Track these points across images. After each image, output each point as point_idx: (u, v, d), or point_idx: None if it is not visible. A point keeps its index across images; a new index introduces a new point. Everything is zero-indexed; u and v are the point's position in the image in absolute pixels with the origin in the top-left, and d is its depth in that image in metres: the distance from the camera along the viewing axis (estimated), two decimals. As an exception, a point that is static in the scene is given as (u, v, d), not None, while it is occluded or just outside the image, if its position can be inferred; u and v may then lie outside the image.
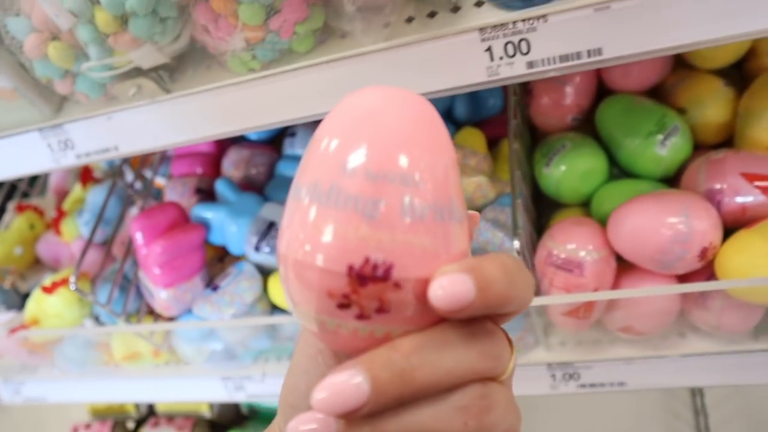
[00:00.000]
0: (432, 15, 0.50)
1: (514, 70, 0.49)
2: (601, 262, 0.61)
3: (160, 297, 0.73)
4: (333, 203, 0.24)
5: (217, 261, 0.82)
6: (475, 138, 0.73)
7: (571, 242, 0.62)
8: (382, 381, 0.23)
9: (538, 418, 1.04)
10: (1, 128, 0.60)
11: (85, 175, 0.92)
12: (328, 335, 0.25)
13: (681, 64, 0.72)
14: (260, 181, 0.79)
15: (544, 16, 0.46)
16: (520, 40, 0.48)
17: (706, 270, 0.61)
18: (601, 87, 0.73)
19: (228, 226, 0.73)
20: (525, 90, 0.75)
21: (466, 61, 0.49)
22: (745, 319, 0.63)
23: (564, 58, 0.48)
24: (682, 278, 0.64)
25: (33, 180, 1.07)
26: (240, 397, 0.83)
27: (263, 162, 0.79)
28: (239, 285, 0.70)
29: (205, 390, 0.83)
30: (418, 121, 0.25)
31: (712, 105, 0.67)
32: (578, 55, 0.47)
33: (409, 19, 0.50)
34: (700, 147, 0.69)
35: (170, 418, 1.05)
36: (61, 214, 0.88)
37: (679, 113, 0.68)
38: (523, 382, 0.72)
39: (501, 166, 0.74)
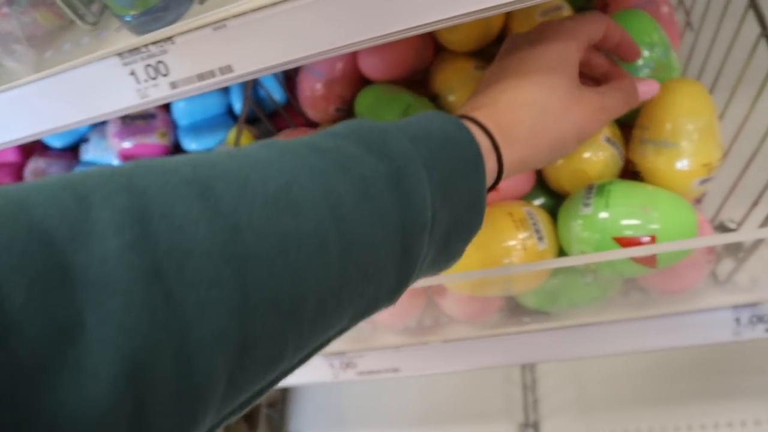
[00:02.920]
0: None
1: (160, 91, 0.49)
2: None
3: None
4: None
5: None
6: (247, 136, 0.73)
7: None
8: None
9: (389, 392, 1.07)
10: None
11: None
12: None
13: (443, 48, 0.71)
14: (59, 190, 0.81)
15: (170, 38, 0.46)
16: (158, 63, 0.48)
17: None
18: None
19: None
20: (292, 84, 0.74)
21: (117, 85, 0.49)
22: (482, 309, 0.64)
23: (201, 77, 0.48)
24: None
25: None
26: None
27: (60, 170, 0.81)
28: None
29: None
30: None
31: (461, 90, 0.67)
32: (212, 74, 0.47)
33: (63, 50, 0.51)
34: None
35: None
36: None
37: (431, 100, 0.68)
38: (308, 371, 0.74)
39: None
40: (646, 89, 0.49)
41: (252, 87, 0.75)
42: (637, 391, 0.97)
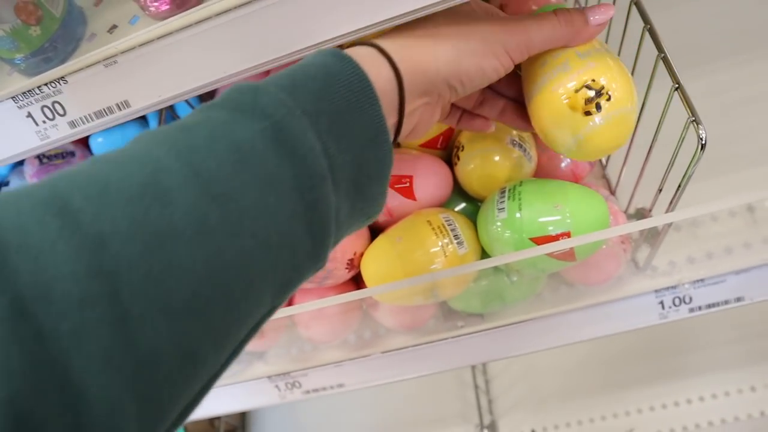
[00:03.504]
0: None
1: (60, 131, 0.48)
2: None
3: None
4: None
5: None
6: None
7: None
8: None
9: (341, 408, 1.07)
10: None
11: None
12: None
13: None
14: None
15: (62, 78, 0.45)
16: (54, 103, 0.47)
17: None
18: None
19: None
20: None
21: (15, 128, 0.48)
22: (414, 317, 0.64)
23: (99, 114, 0.47)
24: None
25: None
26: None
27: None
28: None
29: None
30: None
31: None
32: (110, 110, 0.47)
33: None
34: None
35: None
36: None
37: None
38: (252, 396, 0.74)
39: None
40: (599, 15, 0.43)
41: (170, 116, 0.75)
42: (587, 381, 0.98)
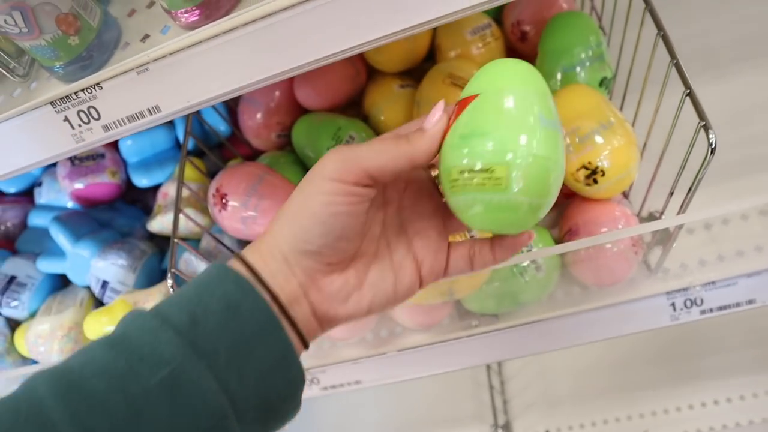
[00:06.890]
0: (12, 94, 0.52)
1: (95, 135, 0.51)
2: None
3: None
4: None
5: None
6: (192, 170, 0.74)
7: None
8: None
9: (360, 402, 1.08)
10: None
11: None
12: None
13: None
14: (16, 235, 0.82)
15: (97, 84, 0.48)
16: (89, 108, 0.50)
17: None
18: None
19: (-26, 287, 0.76)
20: (234, 116, 0.77)
21: (53, 132, 0.51)
22: (431, 315, 0.66)
23: (131, 118, 0.50)
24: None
25: None
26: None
27: (15, 215, 0.82)
28: (-17, 344, 0.74)
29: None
30: None
31: (388, 107, 0.70)
32: (142, 114, 0.49)
33: (-3, 99, 0.53)
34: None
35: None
36: None
37: (363, 121, 0.71)
38: (272, 392, 0.76)
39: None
40: (431, 117, 0.39)
41: (197, 121, 0.77)
42: (602, 383, 0.99)
